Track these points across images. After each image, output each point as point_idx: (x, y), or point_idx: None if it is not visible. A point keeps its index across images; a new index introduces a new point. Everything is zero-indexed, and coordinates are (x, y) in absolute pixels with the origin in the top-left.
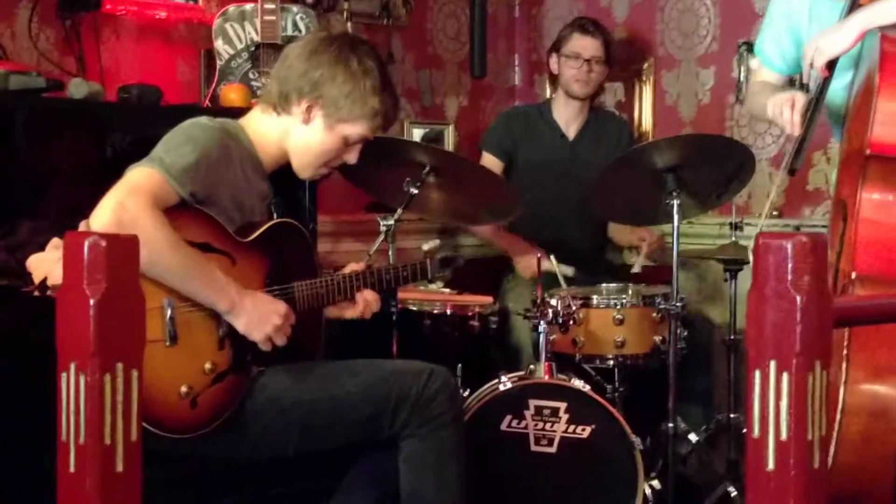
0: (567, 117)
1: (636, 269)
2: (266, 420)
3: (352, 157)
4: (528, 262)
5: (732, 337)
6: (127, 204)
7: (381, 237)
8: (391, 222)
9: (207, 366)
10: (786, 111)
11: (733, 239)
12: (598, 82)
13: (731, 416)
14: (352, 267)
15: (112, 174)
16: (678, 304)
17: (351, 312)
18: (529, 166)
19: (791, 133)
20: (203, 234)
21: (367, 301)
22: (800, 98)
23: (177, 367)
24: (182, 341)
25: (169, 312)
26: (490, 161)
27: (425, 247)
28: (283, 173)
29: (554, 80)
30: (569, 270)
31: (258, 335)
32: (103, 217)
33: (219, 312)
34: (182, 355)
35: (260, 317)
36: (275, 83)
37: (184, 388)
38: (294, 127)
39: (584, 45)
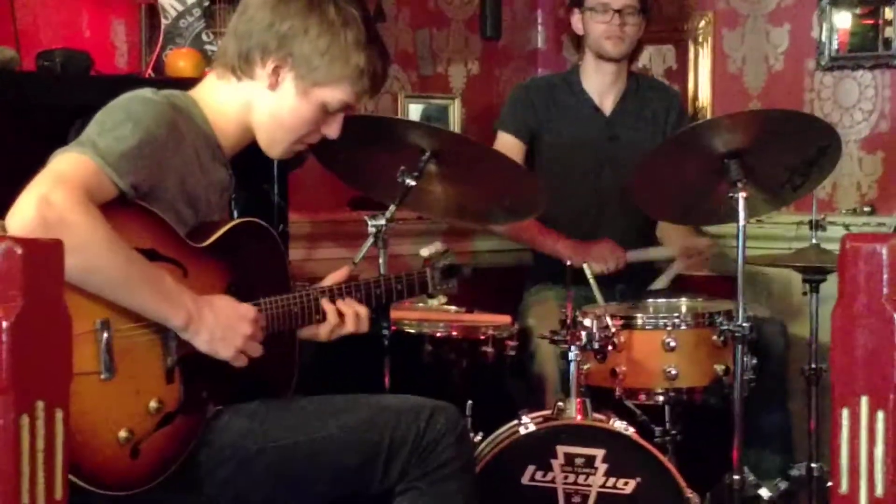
0: (600, 86)
1: (657, 286)
2: (226, 472)
3: (332, 131)
4: (601, 253)
5: (814, 366)
6: (53, 198)
7: (370, 241)
8: (382, 222)
9: (153, 404)
10: None
11: (814, 241)
12: (634, 38)
13: (813, 465)
14: (333, 278)
15: (32, 162)
16: (745, 324)
17: (327, 329)
18: (556, 150)
19: None
20: (147, 238)
21: (352, 314)
22: None
23: (114, 407)
24: (121, 373)
25: (104, 337)
26: (507, 143)
27: (424, 252)
28: (244, 160)
29: (578, 41)
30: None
31: (226, 351)
32: (24, 215)
33: (172, 330)
34: (121, 391)
35: (224, 329)
36: (232, 41)
37: (123, 433)
38: (259, 94)
39: None
